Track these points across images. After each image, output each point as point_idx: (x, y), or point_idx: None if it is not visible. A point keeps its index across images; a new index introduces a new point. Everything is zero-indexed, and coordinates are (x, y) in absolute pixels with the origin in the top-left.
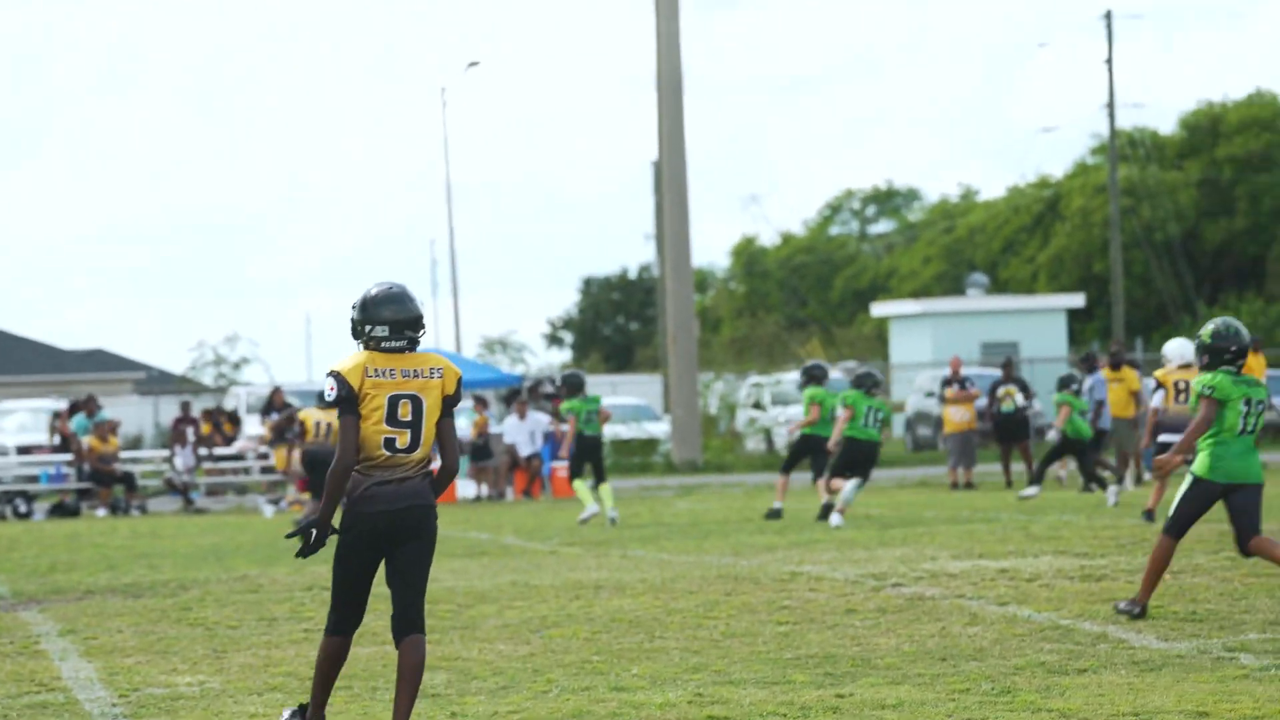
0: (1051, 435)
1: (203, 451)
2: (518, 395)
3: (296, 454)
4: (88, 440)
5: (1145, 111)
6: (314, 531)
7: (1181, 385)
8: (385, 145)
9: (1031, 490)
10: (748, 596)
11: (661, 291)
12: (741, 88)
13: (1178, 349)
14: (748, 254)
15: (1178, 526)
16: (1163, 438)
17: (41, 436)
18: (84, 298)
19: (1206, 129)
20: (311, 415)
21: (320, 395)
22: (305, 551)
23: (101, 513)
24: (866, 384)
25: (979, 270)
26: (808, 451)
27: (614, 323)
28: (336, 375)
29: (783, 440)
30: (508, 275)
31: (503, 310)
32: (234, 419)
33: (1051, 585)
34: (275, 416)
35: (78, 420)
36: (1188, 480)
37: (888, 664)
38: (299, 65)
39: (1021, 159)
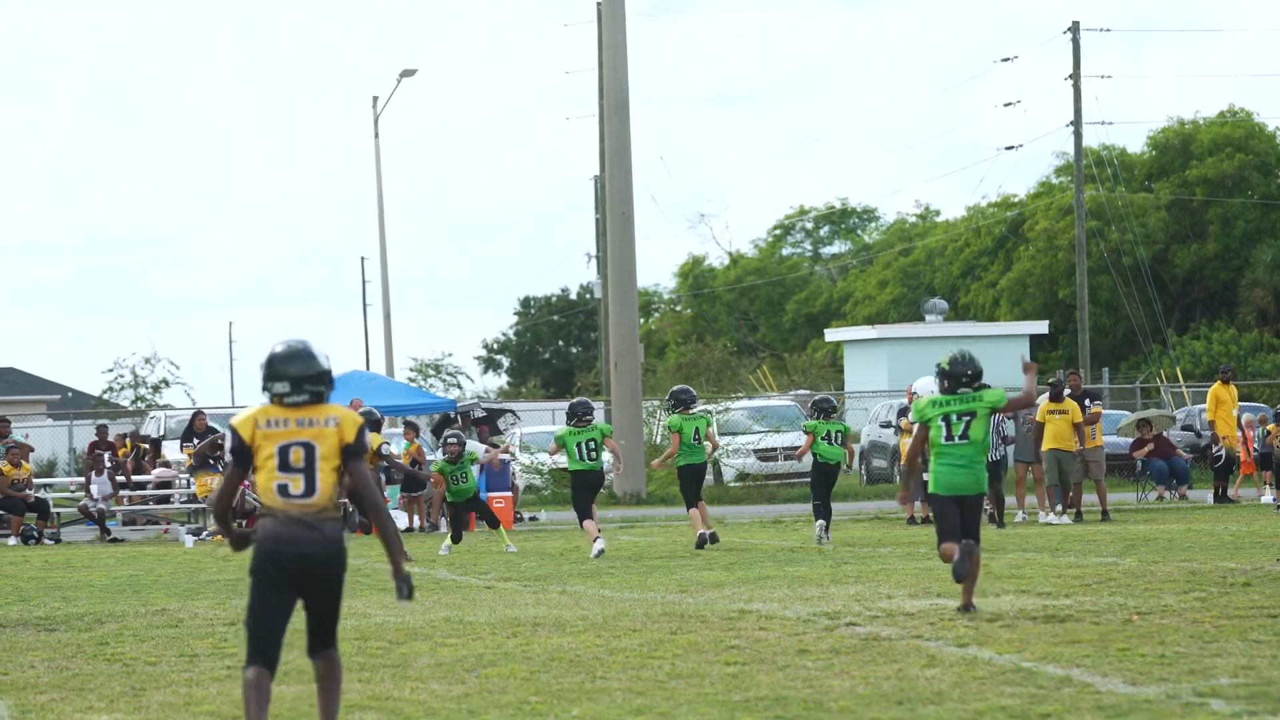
0: None
1: (120, 479)
2: (451, 422)
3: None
4: None
5: (1113, 130)
6: None
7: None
8: (314, 156)
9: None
10: (694, 635)
11: (604, 314)
12: (689, 100)
13: (927, 386)
14: (695, 275)
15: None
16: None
17: None
18: None
19: (1177, 148)
20: None
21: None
22: None
23: (13, 542)
24: (825, 409)
25: (938, 295)
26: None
27: (553, 346)
28: (231, 428)
29: (731, 472)
30: (442, 295)
31: (436, 332)
32: (155, 444)
33: (1013, 626)
34: (197, 442)
35: None
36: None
37: (841, 707)
38: (222, 69)
39: (983, 178)
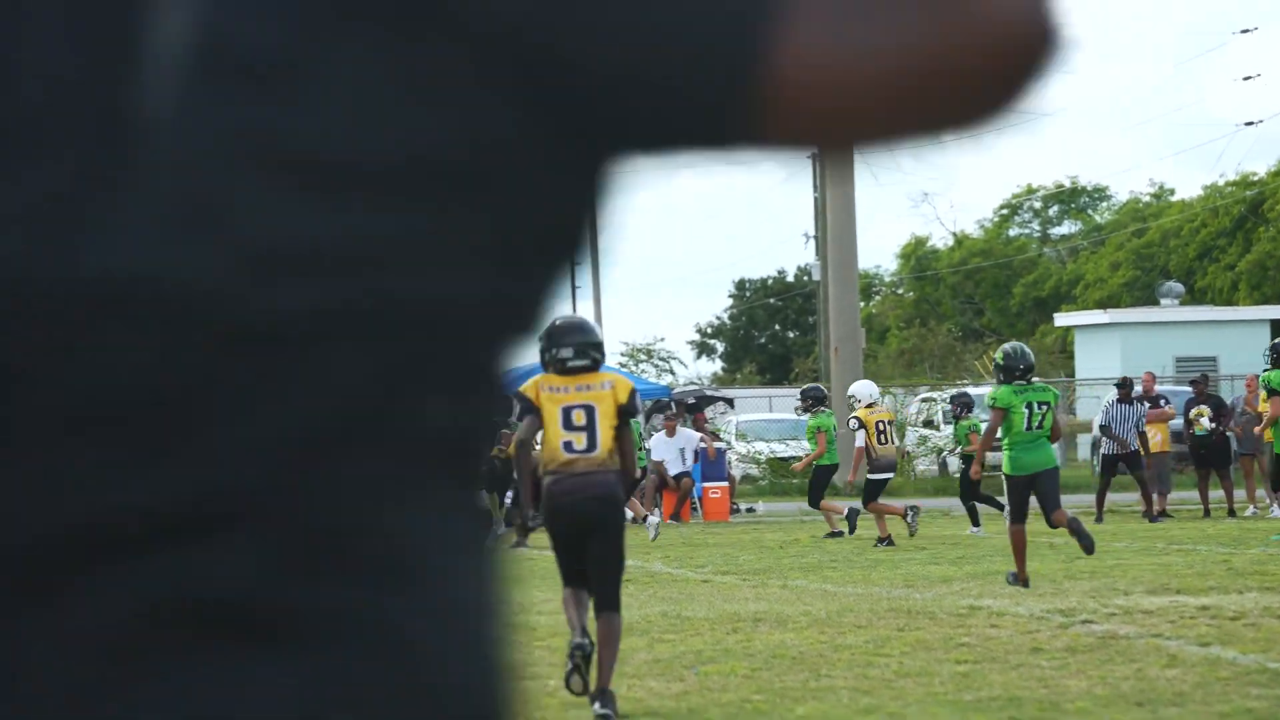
0: None
1: None
2: (665, 409)
3: None
4: None
5: None
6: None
7: (883, 426)
8: None
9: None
10: (922, 632)
11: (823, 297)
12: None
13: (864, 389)
14: (917, 256)
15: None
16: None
17: None
18: None
19: None
20: None
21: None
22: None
23: None
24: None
25: (1173, 278)
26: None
27: (770, 330)
28: (517, 393)
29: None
30: (654, 277)
31: (648, 316)
32: None
33: (1258, 624)
34: None
35: None
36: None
37: (1078, 709)
38: None
39: (1221, 155)
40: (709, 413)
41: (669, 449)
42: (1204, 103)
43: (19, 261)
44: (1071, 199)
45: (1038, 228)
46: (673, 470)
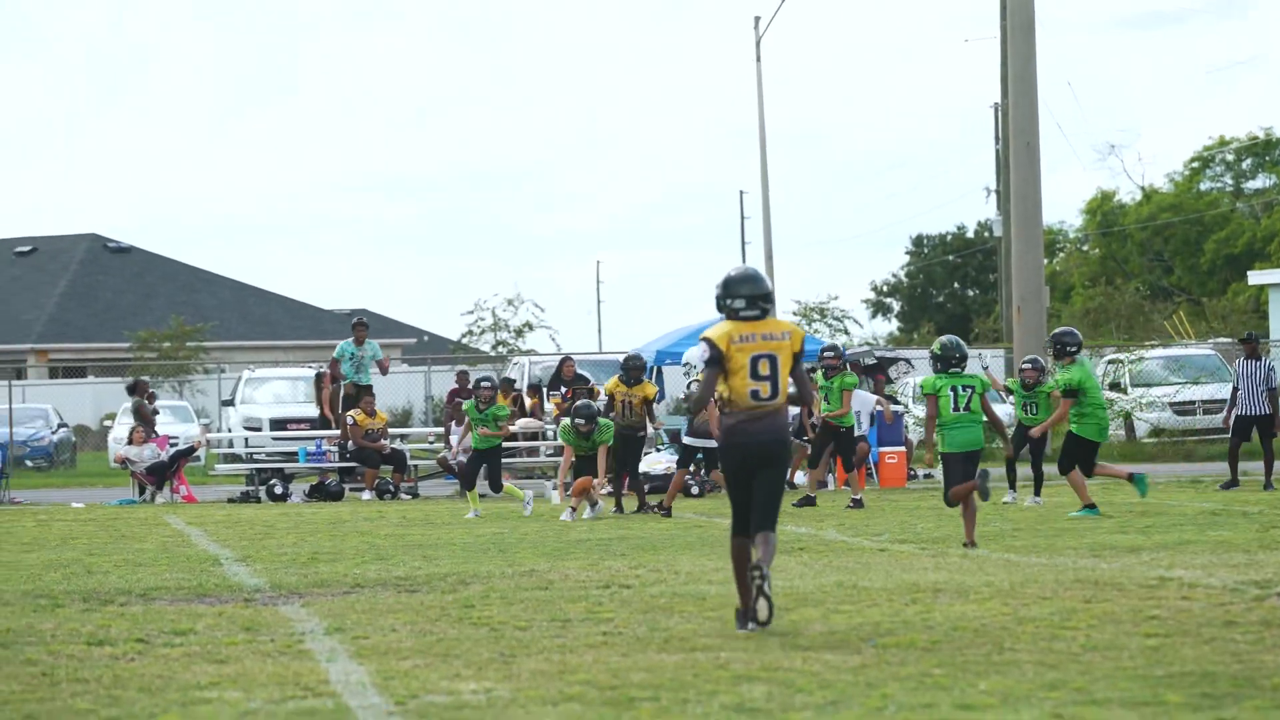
0: None
1: None
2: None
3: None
4: (353, 414)
5: None
6: None
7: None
8: (690, 82)
9: None
10: (1110, 604)
11: (1004, 253)
12: (1102, 22)
13: (696, 355)
14: (1104, 212)
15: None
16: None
17: (299, 409)
18: (346, 252)
19: None
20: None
21: (623, 364)
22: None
23: (367, 496)
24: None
25: None
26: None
27: (948, 289)
28: (708, 340)
29: (1145, 427)
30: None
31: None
32: (536, 391)
33: None
34: (564, 390)
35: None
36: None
37: (1275, 685)
38: None
39: None
40: (892, 373)
41: None
42: None
43: None
44: (1266, 151)
45: (1230, 181)
46: None
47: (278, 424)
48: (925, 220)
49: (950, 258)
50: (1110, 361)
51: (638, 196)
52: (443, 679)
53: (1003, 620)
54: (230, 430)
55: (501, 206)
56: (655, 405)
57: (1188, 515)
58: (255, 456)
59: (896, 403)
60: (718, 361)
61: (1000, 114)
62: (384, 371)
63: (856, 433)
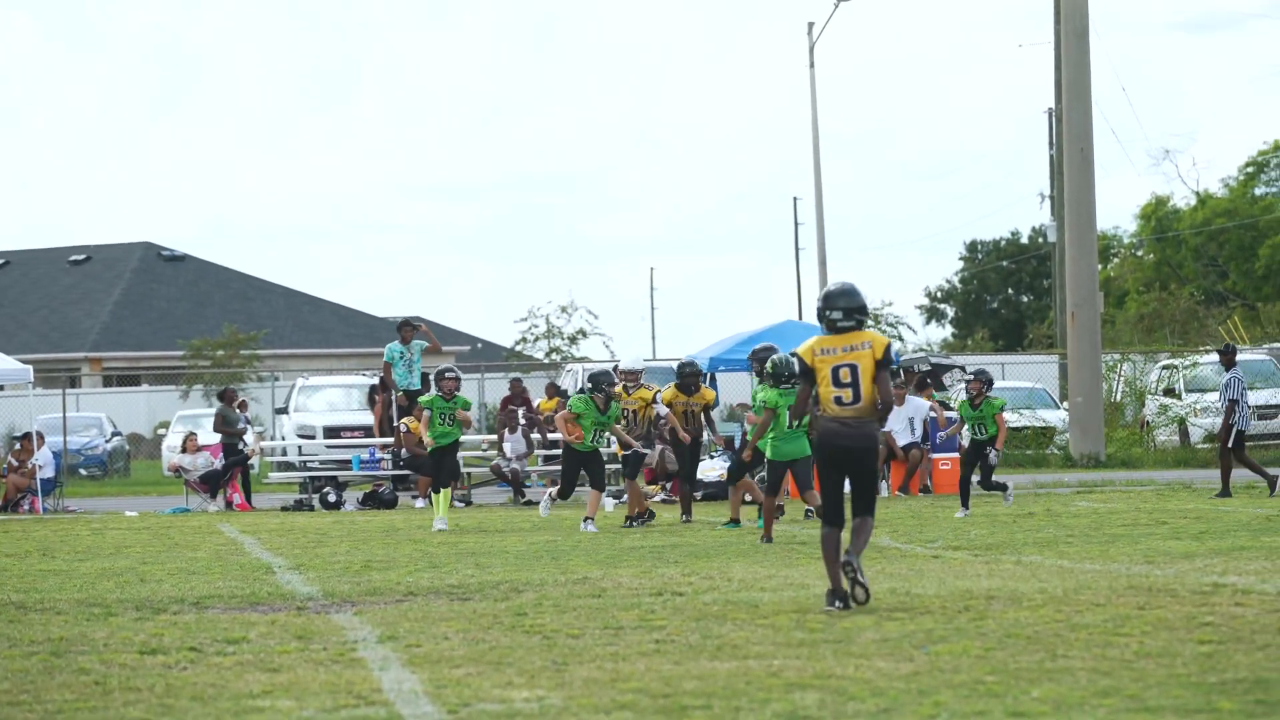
0: None
1: (537, 437)
2: (894, 377)
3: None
4: (405, 422)
5: None
6: None
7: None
8: (744, 88)
9: None
10: (1163, 611)
11: (1058, 259)
12: (1157, 26)
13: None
14: (1158, 217)
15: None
16: None
17: (353, 416)
18: (401, 258)
19: None
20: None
21: (678, 372)
22: None
23: (420, 504)
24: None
25: None
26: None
27: (1003, 294)
28: (796, 355)
29: (1200, 433)
30: (881, 239)
31: (876, 279)
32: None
33: None
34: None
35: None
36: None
37: None
38: None
39: None
40: (947, 380)
41: (897, 419)
42: None
43: None
44: None
45: None
46: (901, 441)
47: (331, 432)
48: (979, 226)
49: (1004, 263)
50: (1164, 367)
51: (692, 202)
52: (495, 687)
53: (1056, 627)
54: (284, 438)
55: (556, 213)
56: (712, 412)
57: (1241, 521)
58: (309, 465)
59: (949, 409)
60: (806, 374)
61: (1054, 119)
62: (437, 350)
63: (909, 439)
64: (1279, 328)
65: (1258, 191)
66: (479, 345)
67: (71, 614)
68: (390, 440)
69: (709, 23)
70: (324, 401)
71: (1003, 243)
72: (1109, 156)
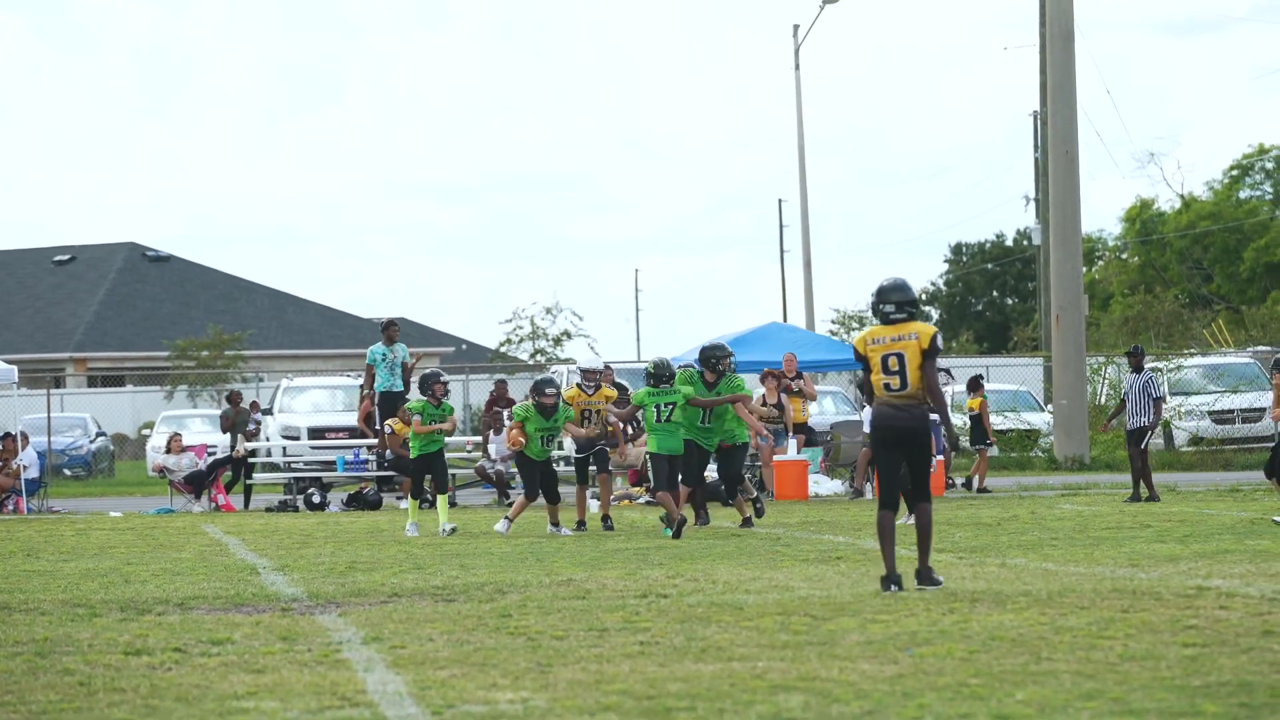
0: None
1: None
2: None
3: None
4: (390, 423)
5: None
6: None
7: None
8: (730, 91)
9: None
10: (1147, 614)
11: (1043, 262)
12: (1142, 29)
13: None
14: (1143, 220)
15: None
16: None
17: (337, 418)
18: (385, 259)
19: None
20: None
21: (646, 374)
22: None
23: (405, 505)
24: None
25: None
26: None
27: (987, 297)
28: (853, 346)
29: (1184, 436)
30: (866, 241)
31: (860, 281)
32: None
33: None
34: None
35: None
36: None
37: None
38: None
39: None
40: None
41: None
42: None
43: None
44: None
45: (1270, 189)
46: None
47: (316, 433)
48: (964, 228)
49: (989, 266)
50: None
51: (677, 204)
52: (479, 688)
53: (1040, 630)
54: (268, 439)
55: (541, 214)
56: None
57: (1225, 524)
58: (293, 465)
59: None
60: (862, 362)
61: (1039, 122)
62: (407, 372)
63: None
64: (1263, 331)
65: (1242, 194)
66: (463, 346)
67: (56, 615)
68: (375, 441)
69: (695, 25)
70: (308, 402)
71: (988, 245)
72: (1094, 159)
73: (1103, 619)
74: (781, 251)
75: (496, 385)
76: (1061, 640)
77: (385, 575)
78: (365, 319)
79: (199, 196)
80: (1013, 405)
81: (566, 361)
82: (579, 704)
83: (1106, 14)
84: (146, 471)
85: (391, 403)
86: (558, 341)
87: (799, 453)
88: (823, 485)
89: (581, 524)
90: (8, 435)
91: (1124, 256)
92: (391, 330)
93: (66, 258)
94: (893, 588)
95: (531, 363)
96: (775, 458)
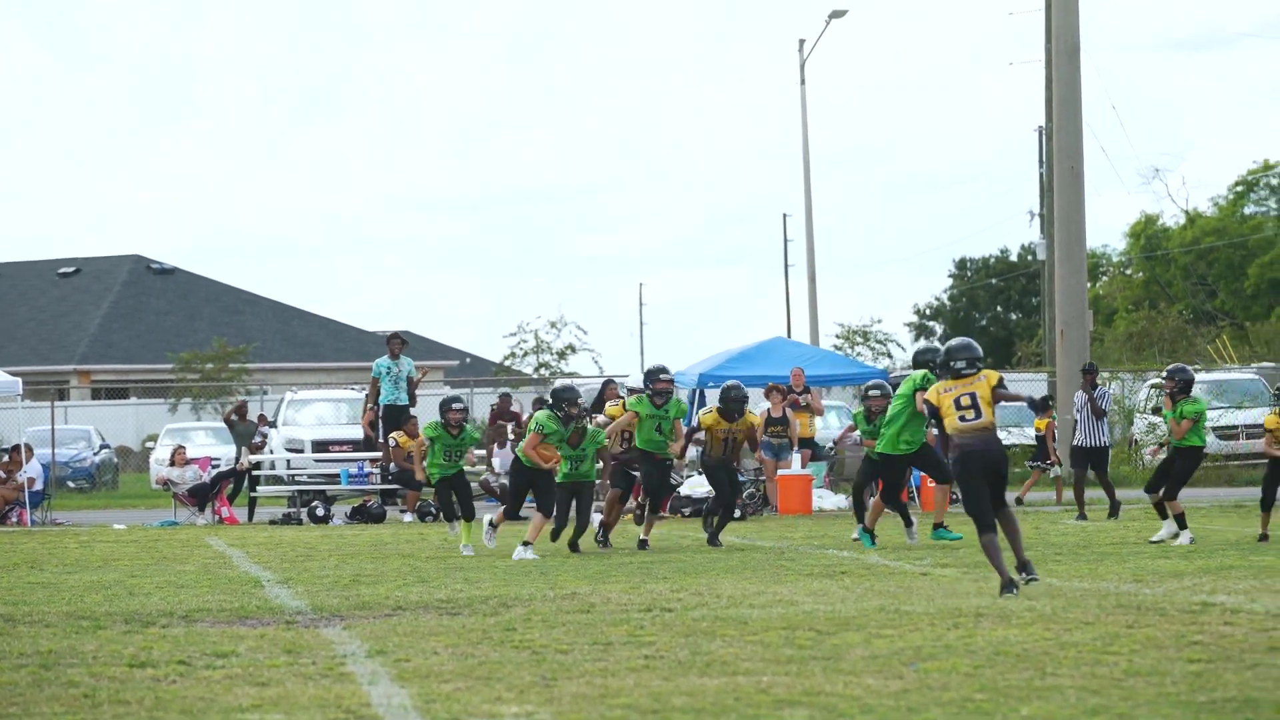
0: None
1: None
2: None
3: None
4: (395, 437)
5: None
6: None
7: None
8: (735, 105)
9: None
10: (1152, 630)
11: (1047, 277)
12: (1149, 45)
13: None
14: (1147, 235)
15: None
16: None
17: (341, 430)
18: (390, 273)
19: None
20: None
21: (721, 399)
22: None
23: (408, 518)
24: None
25: None
26: None
27: (991, 312)
28: (925, 400)
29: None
30: (871, 256)
31: (865, 296)
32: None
33: None
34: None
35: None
36: None
37: None
38: (639, 12)
39: None
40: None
41: None
42: None
43: None
44: None
45: (1275, 206)
46: None
47: (320, 446)
48: (969, 243)
49: (994, 281)
50: (1153, 386)
51: (682, 219)
52: (484, 702)
53: (1045, 645)
54: (272, 452)
55: (547, 228)
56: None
57: (1229, 540)
58: (297, 478)
59: (933, 427)
60: (934, 414)
61: (1045, 137)
62: (413, 387)
63: None
64: (1268, 347)
65: (1247, 210)
66: (468, 360)
67: (60, 626)
68: (379, 454)
69: (701, 39)
70: (312, 415)
71: (992, 260)
72: (1099, 175)
73: (1108, 634)
74: (786, 266)
75: (500, 399)
76: (1066, 656)
77: (389, 588)
78: (370, 332)
79: (204, 209)
80: (1017, 421)
81: (570, 376)
82: (583, 717)
83: (1112, 30)
84: (150, 484)
85: (395, 416)
86: (562, 355)
87: (804, 467)
88: (826, 500)
89: (643, 543)
90: (13, 448)
91: (1128, 272)
92: (396, 343)
93: (71, 270)
94: (1013, 591)
95: (535, 376)
96: (780, 472)
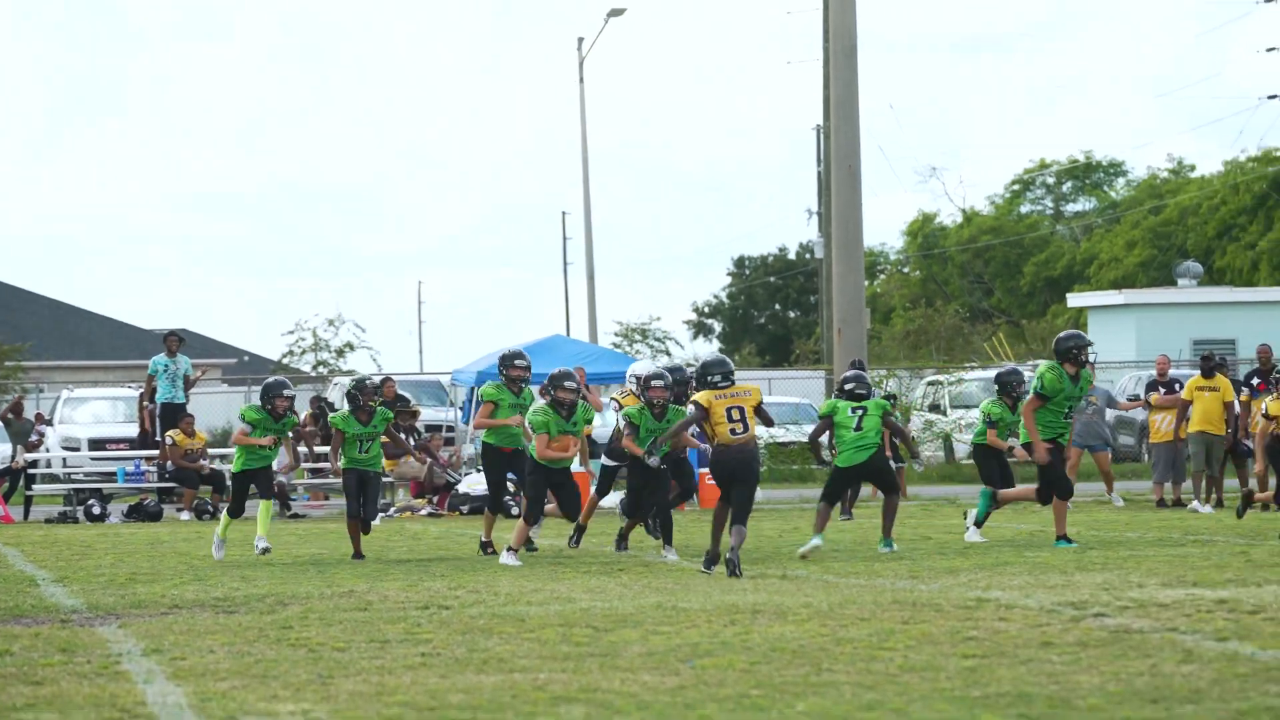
0: None
1: (302, 450)
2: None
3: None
4: (171, 435)
5: None
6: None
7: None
8: (514, 104)
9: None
10: (928, 625)
11: (825, 275)
12: (924, 46)
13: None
14: (924, 234)
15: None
16: None
17: (118, 429)
18: (168, 272)
19: None
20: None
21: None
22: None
23: (185, 516)
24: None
25: (1191, 257)
26: None
27: (770, 310)
28: (694, 402)
29: (964, 449)
30: (649, 254)
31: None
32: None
33: (1278, 618)
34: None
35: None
36: None
37: (1090, 705)
38: (417, 7)
39: (1242, 130)
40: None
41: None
42: (1225, 75)
43: None
44: (1086, 174)
45: (1050, 204)
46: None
47: (96, 444)
48: (747, 241)
49: (771, 279)
50: (930, 383)
51: (460, 217)
52: (260, 700)
53: (821, 641)
54: (48, 450)
55: (324, 226)
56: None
57: (1006, 537)
58: (73, 476)
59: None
60: (702, 410)
61: (823, 136)
62: (189, 384)
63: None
64: (1043, 344)
65: (1023, 209)
66: (245, 358)
67: None
68: (156, 453)
69: (479, 37)
70: (89, 414)
71: (770, 258)
72: (877, 174)
73: (883, 630)
74: (565, 264)
75: (311, 402)
76: (842, 651)
77: (166, 587)
78: (148, 330)
79: None
80: (794, 418)
81: (349, 373)
82: (360, 715)
83: (889, 30)
84: None
85: (172, 414)
86: (340, 353)
87: (583, 466)
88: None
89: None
90: None
91: (906, 270)
92: (173, 341)
93: None
94: (713, 568)
95: (314, 374)
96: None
